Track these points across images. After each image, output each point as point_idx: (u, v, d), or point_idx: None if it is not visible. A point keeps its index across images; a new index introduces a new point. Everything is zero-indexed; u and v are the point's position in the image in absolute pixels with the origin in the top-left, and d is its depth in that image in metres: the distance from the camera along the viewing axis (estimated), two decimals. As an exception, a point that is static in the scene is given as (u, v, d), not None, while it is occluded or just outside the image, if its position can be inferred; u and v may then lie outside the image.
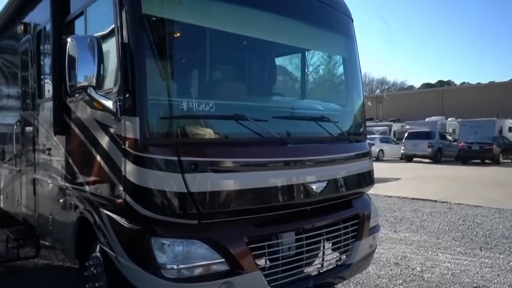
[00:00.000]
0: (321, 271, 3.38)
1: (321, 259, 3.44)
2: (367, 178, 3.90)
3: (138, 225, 2.75)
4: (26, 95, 4.97)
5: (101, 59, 2.70)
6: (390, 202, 10.25)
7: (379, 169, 18.78)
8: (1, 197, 6.81)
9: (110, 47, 2.87)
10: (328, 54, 4.37)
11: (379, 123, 38.90)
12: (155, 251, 2.62)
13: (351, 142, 3.83)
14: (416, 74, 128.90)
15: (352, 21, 4.26)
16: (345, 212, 3.63)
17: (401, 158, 26.58)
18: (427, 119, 34.69)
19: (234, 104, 3.14)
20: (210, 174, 2.67)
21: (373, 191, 12.18)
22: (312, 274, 3.33)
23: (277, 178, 2.99)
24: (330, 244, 3.49)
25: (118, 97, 2.71)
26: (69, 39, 2.72)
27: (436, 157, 24.53)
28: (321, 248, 3.42)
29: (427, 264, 5.39)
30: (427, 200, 10.42)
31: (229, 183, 2.76)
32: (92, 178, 3.27)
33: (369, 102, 60.00)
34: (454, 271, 5.11)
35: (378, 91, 74.24)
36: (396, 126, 34.77)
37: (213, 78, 3.33)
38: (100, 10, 3.13)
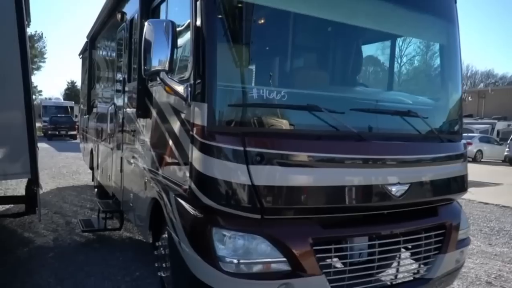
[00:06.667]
0: (394, 282, 3.06)
1: (395, 269, 3.10)
2: (459, 184, 3.41)
3: (201, 214, 2.72)
4: (119, 80, 5.29)
5: (175, 43, 2.66)
6: (486, 210, 9.09)
7: (475, 172, 16.96)
8: (99, 171, 7.53)
9: (187, 33, 2.83)
10: (421, 40, 3.87)
11: (479, 121, 35.11)
12: (215, 242, 2.56)
13: (442, 141, 3.37)
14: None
15: (455, 1, 3.72)
16: (428, 220, 3.23)
17: (503, 161, 23.71)
18: (541, 119, 30.43)
19: (308, 94, 2.91)
20: (276, 167, 2.51)
21: (466, 195, 11.02)
22: (384, 285, 3.03)
23: (349, 177, 2.72)
24: (408, 255, 3.14)
25: (189, 82, 2.67)
26: (146, 23, 2.72)
27: (551, 164, 21.43)
28: (396, 258, 3.07)
29: (528, 289, 4.64)
30: (535, 213, 9.05)
31: (297, 179, 2.57)
32: (165, 162, 3.32)
33: (469, 97, 54.49)
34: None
35: (481, 85, 66.87)
36: (500, 125, 31.09)
37: (286, 66, 3.12)
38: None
